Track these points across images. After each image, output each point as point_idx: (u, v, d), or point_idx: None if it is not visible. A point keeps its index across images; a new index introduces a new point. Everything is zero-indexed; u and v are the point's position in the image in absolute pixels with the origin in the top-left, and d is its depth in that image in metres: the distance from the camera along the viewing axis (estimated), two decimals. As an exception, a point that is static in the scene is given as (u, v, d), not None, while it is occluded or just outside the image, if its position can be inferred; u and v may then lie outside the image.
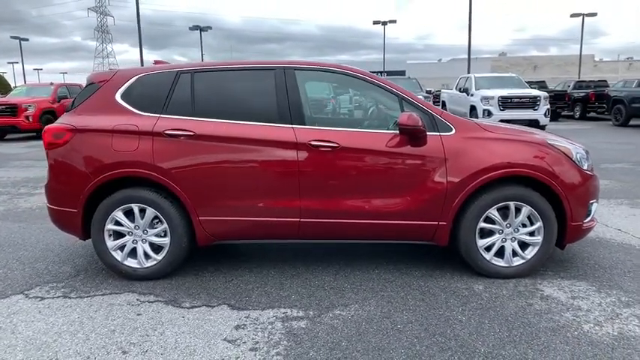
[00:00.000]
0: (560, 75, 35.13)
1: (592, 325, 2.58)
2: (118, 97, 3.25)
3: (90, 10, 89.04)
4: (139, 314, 2.79)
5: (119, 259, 3.24)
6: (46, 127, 3.29)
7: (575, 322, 2.63)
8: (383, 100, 3.37)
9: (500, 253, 3.20)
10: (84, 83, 3.50)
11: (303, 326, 2.63)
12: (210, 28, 35.89)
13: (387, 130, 3.19)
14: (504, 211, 3.14)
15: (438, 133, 3.12)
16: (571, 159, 3.14)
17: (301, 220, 3.14)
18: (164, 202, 3.15)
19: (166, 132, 3.11)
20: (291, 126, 3.12)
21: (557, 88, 18.39)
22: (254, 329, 2.60)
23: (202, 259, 3.63)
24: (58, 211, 3.26)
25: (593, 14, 30.11)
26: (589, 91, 17.42)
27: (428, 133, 3.09)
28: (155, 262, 3.23)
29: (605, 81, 20.14)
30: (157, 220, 3.21)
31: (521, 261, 3.18)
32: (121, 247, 3.24)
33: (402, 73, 37.44)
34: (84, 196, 3.15)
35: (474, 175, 3.04)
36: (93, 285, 3.21)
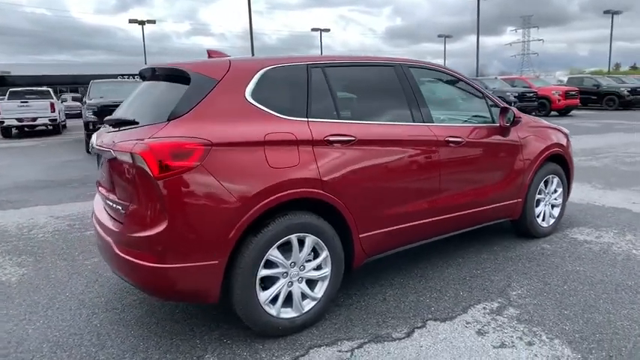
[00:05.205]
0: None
1: (635, 250, 3.66)
2: (248, 96, 2.39)
3: None
4: (374, 363, 2.26)
5: (274, 313, 2.43)
6: (150, 144, 2.10)
7: (625, 251, 3.65)
8: (471, 98, 3.62)
9: (542, 217, 4.01)
10: None
11: (528, 317, 2.70)
12: None
13: (477, 123, 3.51)
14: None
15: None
16: (568, 138, 4.23)
17: (439, 218, 3.12)
18: (325, 224, 2.55)
19: (328, 139, 2.52)
20: (425, 124, 3.04)
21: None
22: (502, 330, 2.53)
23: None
24: (184, 270, 2.16)
25: (327, 30, 36.88)
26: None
27: (505, 124, 3.58)
28: (315, 303, 2.58)
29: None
30: (311, 250, 2.56)
31: (553, 220, 4.09)
32: (275, 298, 2.43)
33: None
34: (233, 237, 2.21)
35: (538, 155, 3.73)
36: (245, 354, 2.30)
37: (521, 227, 3.92)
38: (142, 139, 2.16)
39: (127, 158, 2.20)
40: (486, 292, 3.01)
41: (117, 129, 2.56)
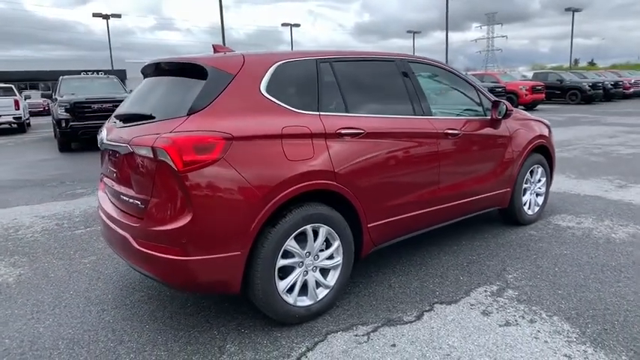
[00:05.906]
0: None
1: (614, 234, 3.93)
2: (263, 90, 2.44)
3: None
4: (393, 345, 2.37)
5: (291, 301, 2.50)
6: (173, 138, 2.12)
7: (604, 235, 3.92)
8: (464, 92, 3.76)
9: (528, 205, 4.23)
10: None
11: (526, 297, 2.90)
12: None
13: (470, 116, 3.67)
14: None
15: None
16: (550, 129, 4.46)
17: (438, 207, 3.26)
18: (337, 215, 2.64)
19: (339, 132, 2.60)
20: (426, 117, 3.17)
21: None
22: (505, 310, 2.70)
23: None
24: (208, 262, 2.20)
25: (297, 25, 36.92)
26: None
27: (497, 117, 3.76)
28: (328, 290, 2.67)
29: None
30: (324, 240, 2.64)
31: (537, 208, 4.32)
32: (291, 287, 2.51)
33: (123, 72, 34.22)
34: (255, 228, 2.27)
35: (525, 146, 3.93)
36: (271, 344, 2.37)
37: (510, 215, 4.12)
38: (163, 134, 2.17)
39: (146, 153, 2.22)
40: (485, 276, 3.17)
41: (128, 124, 2.56)
